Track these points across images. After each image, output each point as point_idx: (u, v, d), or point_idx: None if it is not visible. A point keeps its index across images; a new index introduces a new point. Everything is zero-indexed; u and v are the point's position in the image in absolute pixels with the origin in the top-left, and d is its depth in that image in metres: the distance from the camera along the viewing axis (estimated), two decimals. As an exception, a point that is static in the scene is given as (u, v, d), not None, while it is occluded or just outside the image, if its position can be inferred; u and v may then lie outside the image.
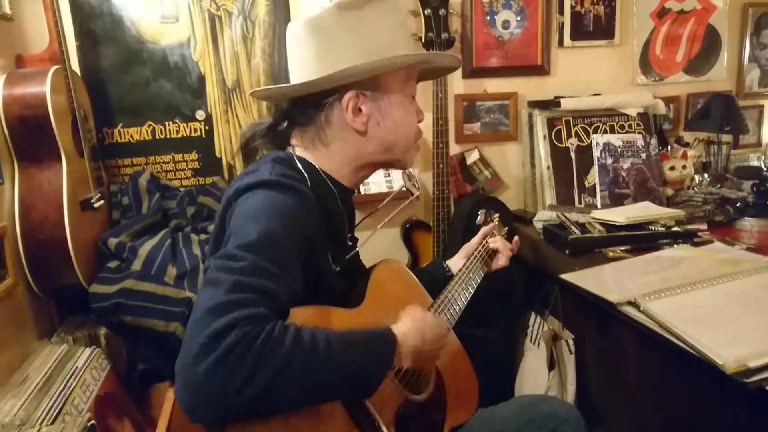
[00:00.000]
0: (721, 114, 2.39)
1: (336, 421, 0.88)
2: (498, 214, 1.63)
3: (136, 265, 1.73)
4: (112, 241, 1.77)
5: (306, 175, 1.05)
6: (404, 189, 1.50)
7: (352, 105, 1.06)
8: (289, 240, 0.88)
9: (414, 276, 1.28)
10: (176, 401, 0.75)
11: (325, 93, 1.07)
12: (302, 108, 1.11)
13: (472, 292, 1.38)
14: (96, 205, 1.79)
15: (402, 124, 1.11)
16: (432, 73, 1.26)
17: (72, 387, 1.46)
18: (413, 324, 0.98)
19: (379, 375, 0.88)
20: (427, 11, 2.11)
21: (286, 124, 1.14)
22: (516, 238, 1.61)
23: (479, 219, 1.58)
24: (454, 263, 1.50)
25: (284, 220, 0.90)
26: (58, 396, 1.40)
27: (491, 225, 1.57)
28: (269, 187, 0.95)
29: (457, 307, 1.30)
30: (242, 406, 0.73)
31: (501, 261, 1.53)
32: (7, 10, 1.74)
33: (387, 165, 1.18)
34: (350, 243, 1.21)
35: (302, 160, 1.08)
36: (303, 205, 0.96)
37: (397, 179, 2.27)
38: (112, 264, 1.76)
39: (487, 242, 1.52)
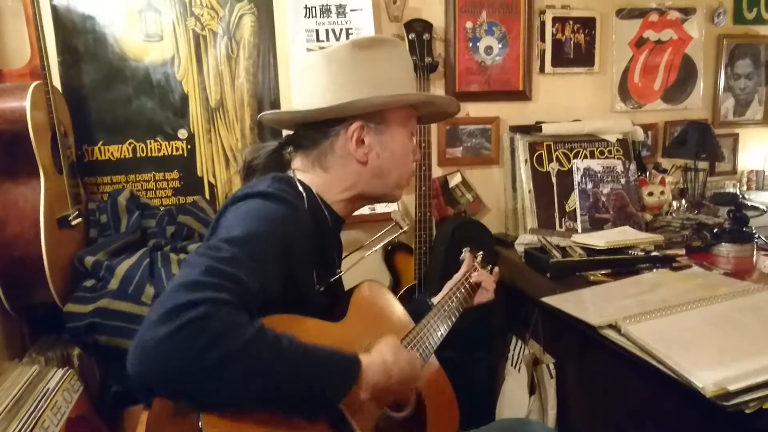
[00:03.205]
0: (697, 141, 2.44)
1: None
2: (482, 252, 1.64)
3: (113, 284, 1.70)
4: (89, 260, 1.73)
5: (303, 195, 1.07)
6: (394, 223, 1.49)
7: (356, 135, 1.11)
8: (272, 243, 0.90)
9: (395, 299, 1.27)
10: (127, 365, 0.73)
11: (333, 121, 1.11)
12: (308, 133, 1.14)
13: (454, 321, 1.38)
14: (73, 222, 1.76)
15: (399, 159, 1.16)
16: (431, 117, 1.32)
17: (42, 409, 1.42)
18: (383, 357, 0.96)
19: (333, 396, 0.86)
20: (411, 36, 2.14)
21: (290, 148, 1.18)
22: (496, 269, 1.59)
23: (462, 256, 1.59)
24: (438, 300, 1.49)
25: (271, 224, 0.92)
26: (28, 418, 1.36)
27: (474, 261, 1.57)
28: (264, 197, 0.98)
29: (438, 335, 1.29)
30: (189, 378, 0.72)
31: (485, 296, 1.52)
32: (-11, 25, 1.73)
33: (378, 199, 1.22)
34: (338, 269, 1.21)
35: (302, 183, 1.11)
36: (294, 218, 0.98)
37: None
38: (88, 283, 1.72)
39: (469, 276, 1.52)
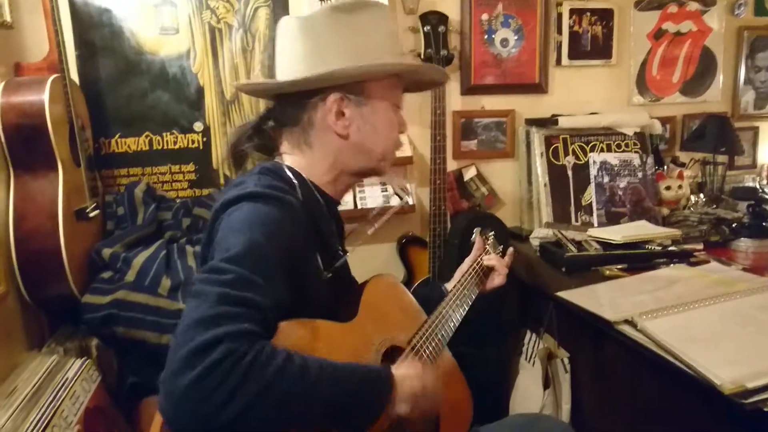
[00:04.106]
0: (716, 135, 2.40)
1: None
2: (493, 232, 1.62)
3: (130, 276, 1.72)
4: (106, 252, 1.75)
5: (295, 182, 1.04)
6: (397, 197, 1.47)
7: (335, 108, 1.06)
8: (273, 250, 0.87)
9: (408, 292, 1.27)
10: (158, 411, 0.73)
11: (310, 92, 1.06)
12: (286, 106, 1.11)
13: (467, 309, 1.37)
14: (91, 215, 1.78)
15: (382, 132, 1.11)
16: (419, 85, 1.26)
17: (61, 399, 1.44)
18: (414, 370, 0.95)
19: (366, 418, 0.85)
20: (427, 28, 2.13)
21: (271, 123, 1.14)
22: (510, 249, 1.58)
23: (474, 238, 1.57)
24: (451, 286, 1.48)
25: (268, 230, 0.89)
26: (47, 408, 1.38)
27: (485, 243, 1.56)
28: (254, 199, 0.94)
29: (452, 324, 1.29)
30: (221, 422, 0.71)
31: (497, 280, 1.50)
32: (8, 18, 1.75)
33: (364, 173, 1.18)
34: (341, 253, 1.19)
35: (291, 169, 1.07)
36: (288, 216, 0.95)
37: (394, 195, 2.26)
38: (106, 275, 1.74)
39: (481, 260, 1.51)
